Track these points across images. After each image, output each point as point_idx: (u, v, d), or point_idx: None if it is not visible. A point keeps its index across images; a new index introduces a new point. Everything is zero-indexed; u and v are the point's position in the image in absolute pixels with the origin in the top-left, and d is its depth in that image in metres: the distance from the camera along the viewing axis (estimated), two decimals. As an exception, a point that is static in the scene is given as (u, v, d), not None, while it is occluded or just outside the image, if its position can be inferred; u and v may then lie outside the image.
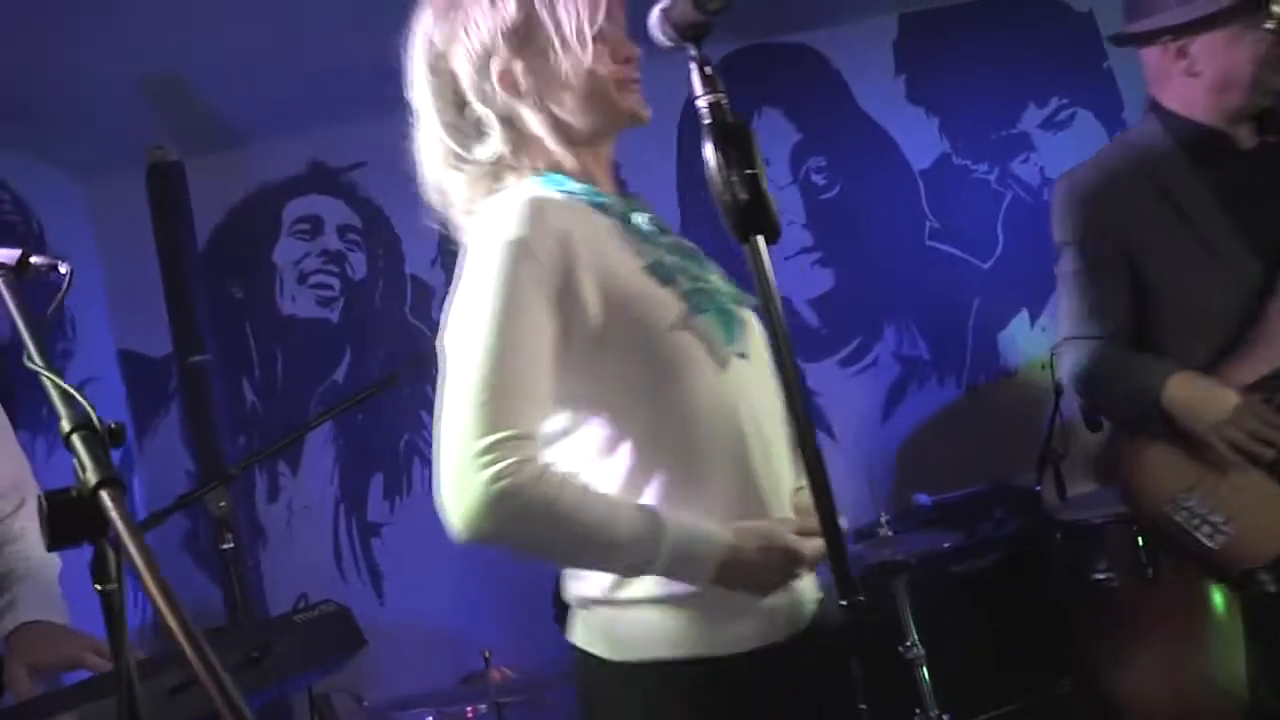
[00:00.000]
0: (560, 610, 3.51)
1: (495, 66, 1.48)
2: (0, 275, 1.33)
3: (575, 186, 1.49)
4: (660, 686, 1.38)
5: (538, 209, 1.38)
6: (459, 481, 1.30)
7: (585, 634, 1.46)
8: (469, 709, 3.12)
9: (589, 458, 1.41)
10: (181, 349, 3.71)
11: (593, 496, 1.34)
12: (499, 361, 1.32)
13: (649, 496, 1.39)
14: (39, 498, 1.00)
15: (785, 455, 1.49)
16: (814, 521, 1.22)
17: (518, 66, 1.48)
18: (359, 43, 2.29)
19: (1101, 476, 3.19)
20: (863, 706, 1.34)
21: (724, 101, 1.22)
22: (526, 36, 1.47)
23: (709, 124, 1.21)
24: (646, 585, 1.37)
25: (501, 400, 1.31)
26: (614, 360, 1.38)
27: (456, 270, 1.44)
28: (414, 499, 4.10)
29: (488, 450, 1.28)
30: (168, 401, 4.15)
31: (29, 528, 2.03)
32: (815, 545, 1.37)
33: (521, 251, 1.35)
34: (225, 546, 2.43)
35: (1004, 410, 4.12)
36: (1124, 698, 2.44)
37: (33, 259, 1.34)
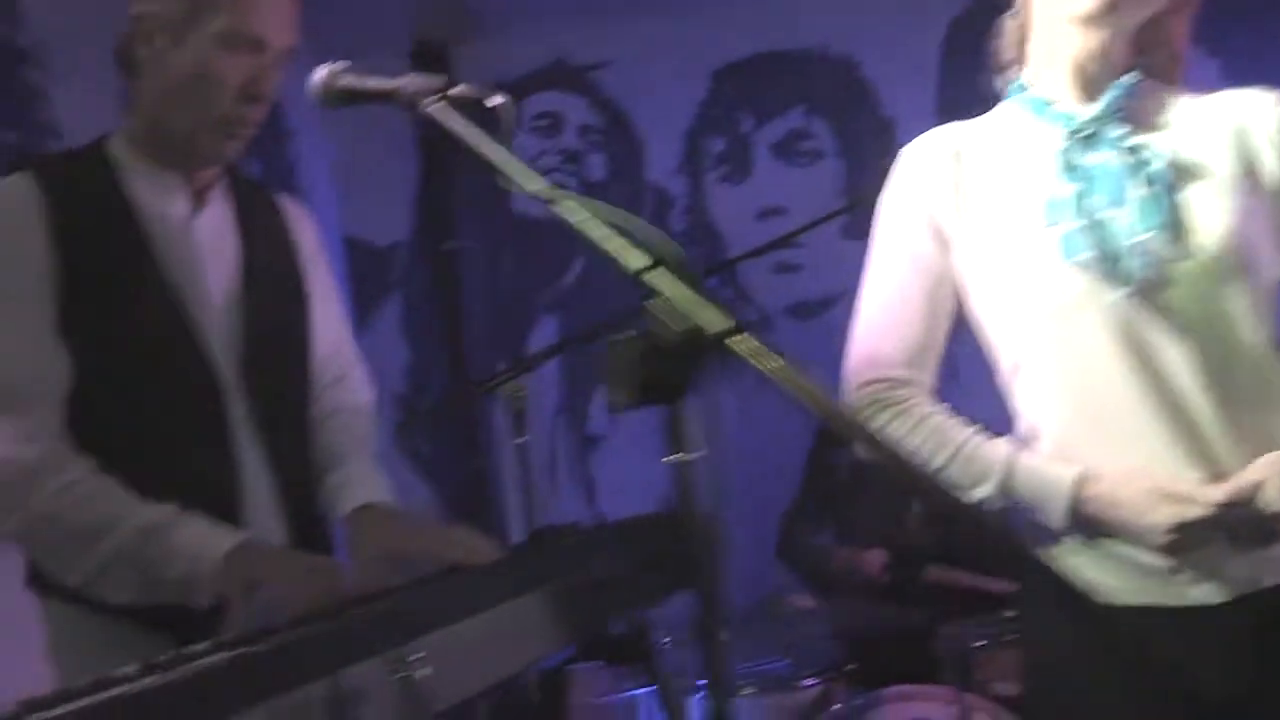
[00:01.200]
0: (784, 546, 3.40)
1: None
2: (436, 102, 1.27)
3: None
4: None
5: None
6: None
7: None
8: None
9: None
10: (430, 235, 3.62)
11: None
12: None
13: None
14: (611, 343, 0.89)
15: None
16: None
17: None
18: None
19: None
20: None
21: None
22: None
23: None
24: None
25: None
26: None
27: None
28: (637, 412, 3.97)
29: None
30: (387, 293, 4.08)
31: (350, 402, 1.92)
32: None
33: None
34: (519, 441, 2.33)
35: None
36: None
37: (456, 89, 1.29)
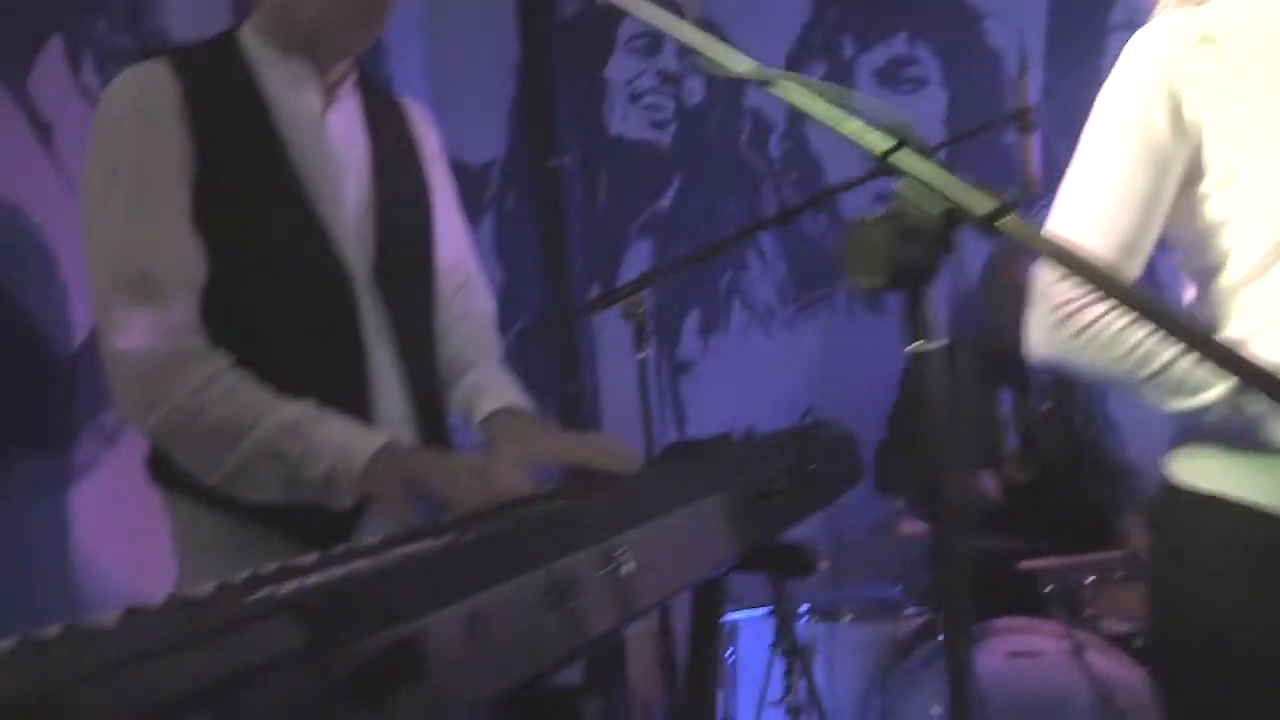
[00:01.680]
0: (882, 476, 3.38)
1: None
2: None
3: None
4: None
5: None
6: None
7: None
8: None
9: None
10: (526, 154, 3.59)
11: None
12: None
13: None
14: (858, 224, 0.87)
15: None
16: None
17: None
18: None
19: None
20: None
21: None
22: None
23: None
24: None
25: None
26: None
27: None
28: (728, 339, 3.96)
29: None
30: (481, 212, 4.06)
31: (475, 309, 1.91)
32: None
33: None
34: (640, 356, 2.31)
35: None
36: None
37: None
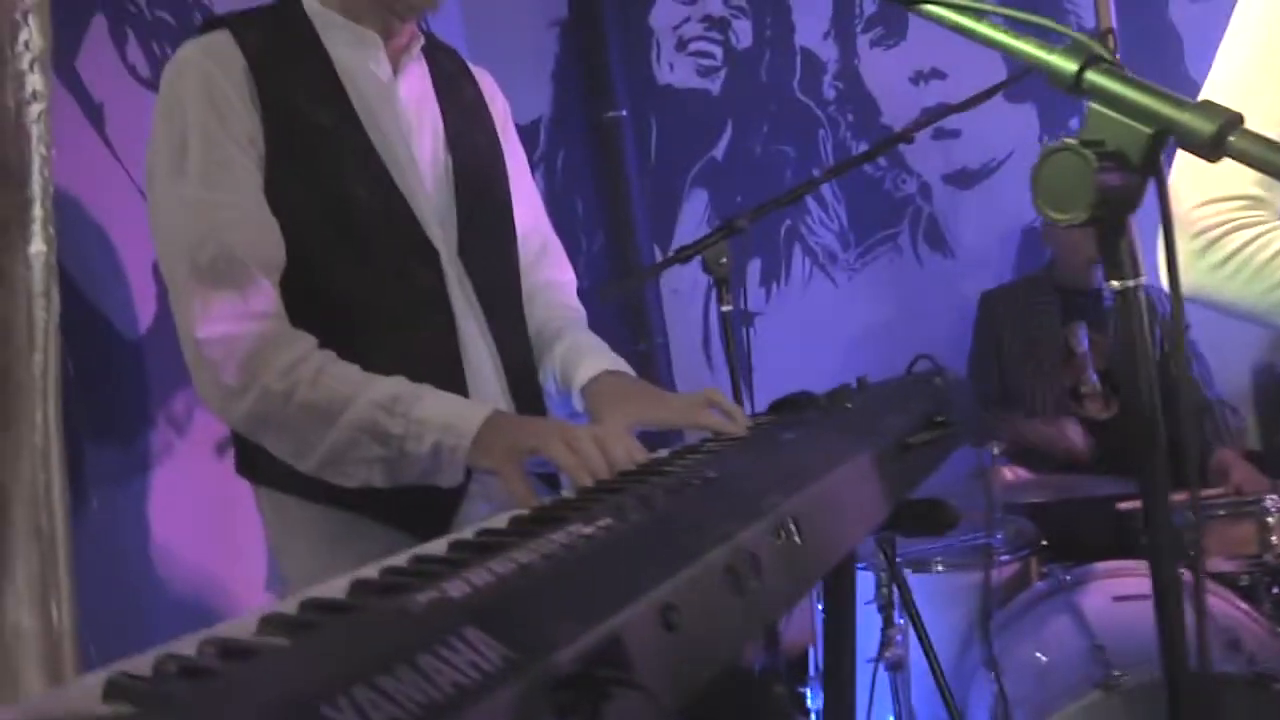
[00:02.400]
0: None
1: None
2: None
3: None
4: None
5: None
6: None
7: None
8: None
9: None
10: (573, 108, 3.49)
11: None
12: None
13: None
14: (1048, 151, 0.78)
15: None
16: None
17: None
18: None
19: None
20: None
21: None
22: None
23: None
24: None
25: None
26: None
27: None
28: (791, 289, 3.86)
29: None
30: (531, 171, 3.96)
31: (556, 277, 1.83)
32: None
33: None
34: (725, 309, 2.22)
35: None
36: None
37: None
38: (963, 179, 3.81)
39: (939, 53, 3.79)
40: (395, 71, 1.58)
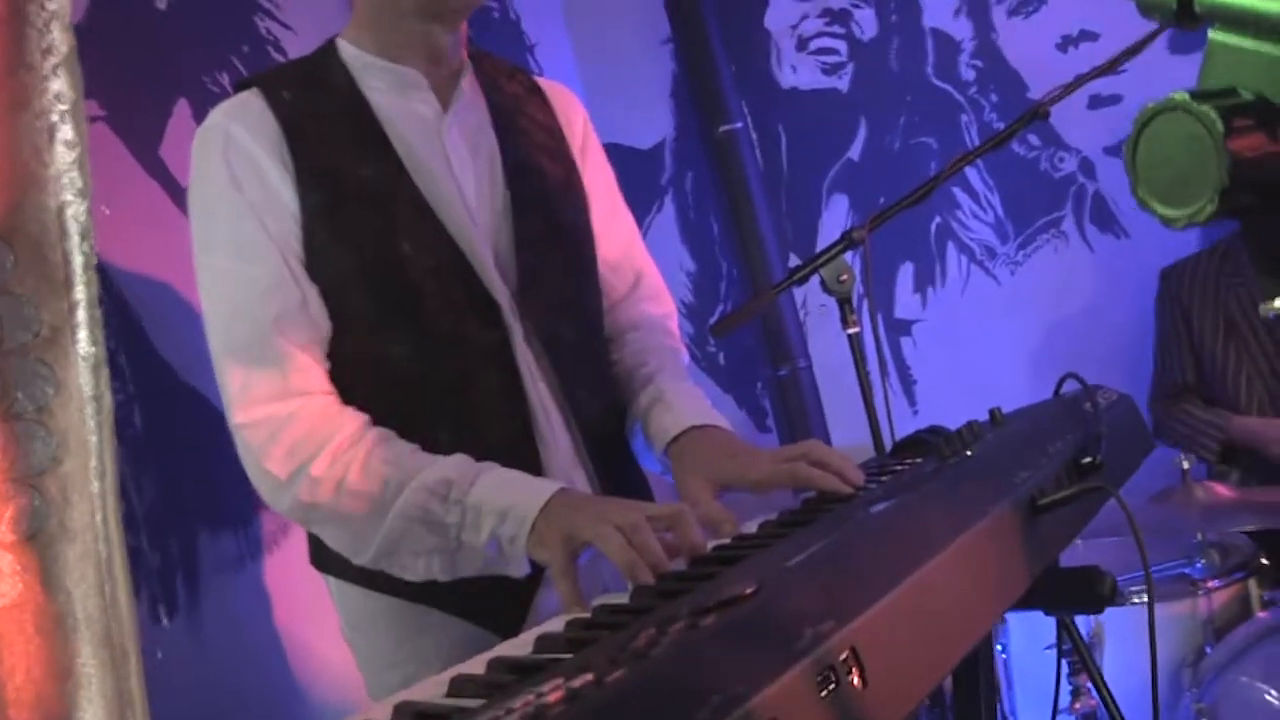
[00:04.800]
0: (1161, 426, 2.90)
1: None
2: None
3: None
4: None
5: None
6: None
7: None
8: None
9: None
10: (698, 126, 3.30)
11: None
12: None
13: None
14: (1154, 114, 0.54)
15: None
16: None
17: None
18: None
19: None
20: None
21: None
22: None
23: None
24: None
25: None
26: None
27: None
28: (948, 291, 3.55)
29: None
30: (659, 197, 3.79)
31: (649, 313, 1.63)
32: None
33: None
34: (850, 332, 1.98)
35: None
36: None
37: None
38: (1130, 149, 3.43)
39: (1086, 11, 3.43)
40: (445, 107, 1.42)
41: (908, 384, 3.58)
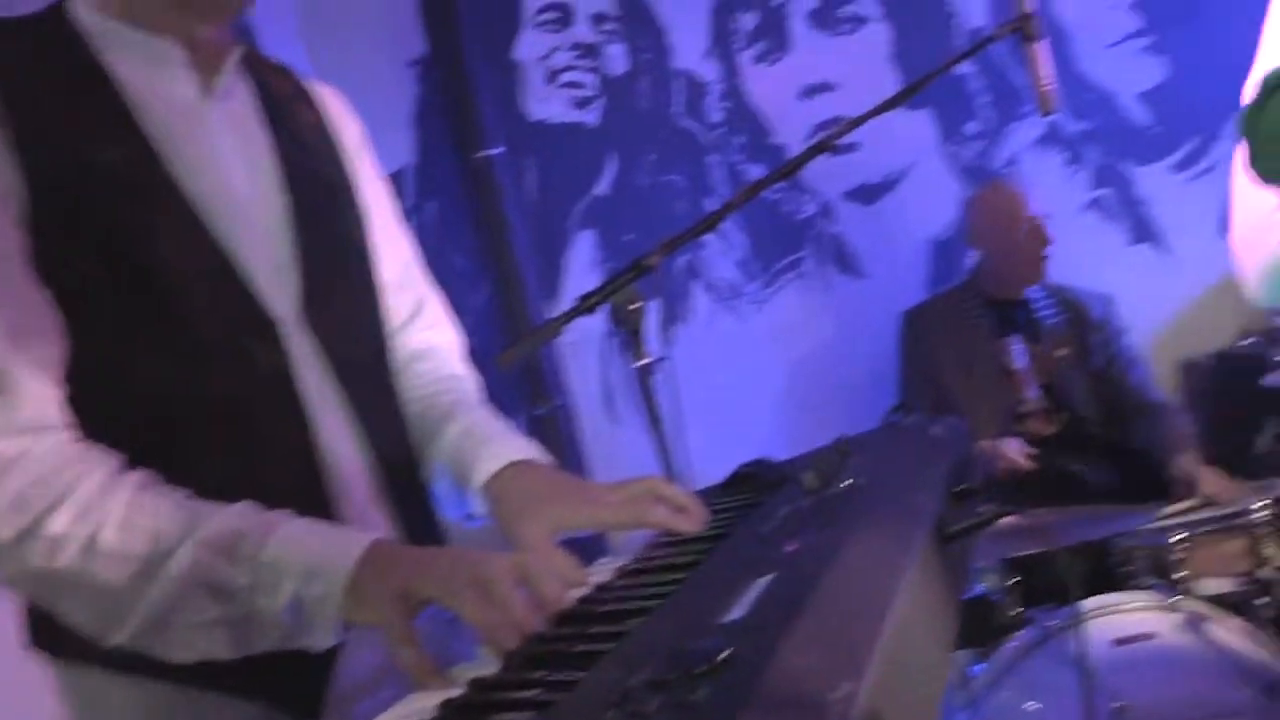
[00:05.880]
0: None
1: None
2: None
3: None
4: None
5: None
6: None
7: None
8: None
9: None
10: (443, 153, 3.16)
11: None
12: None
13: None
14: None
15: None
16: None
17: None
18: None
19: None
20: None
21: None
22: None
23: None
24: None
25: None
26: None
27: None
28: (694, 329, 3.57)
29: None
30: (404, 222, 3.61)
31: (439, 340, 1.47)
32: None
33: None
34: (640, 364, 1.90)
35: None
36: None
37: None
38: (865, 194, 3.59)
39: (825, 65, 3.58)
40: (205, 89, 1.20)
41: (655, 421, 3.56)
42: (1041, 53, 2.27)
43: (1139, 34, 3.58)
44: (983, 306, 3.05)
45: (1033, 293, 3.05)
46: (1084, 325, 3.03)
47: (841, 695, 0.55)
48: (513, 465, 1.27)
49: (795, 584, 0.75)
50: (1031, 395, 2.95)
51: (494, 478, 1.26)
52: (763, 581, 0.78)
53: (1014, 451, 2.77)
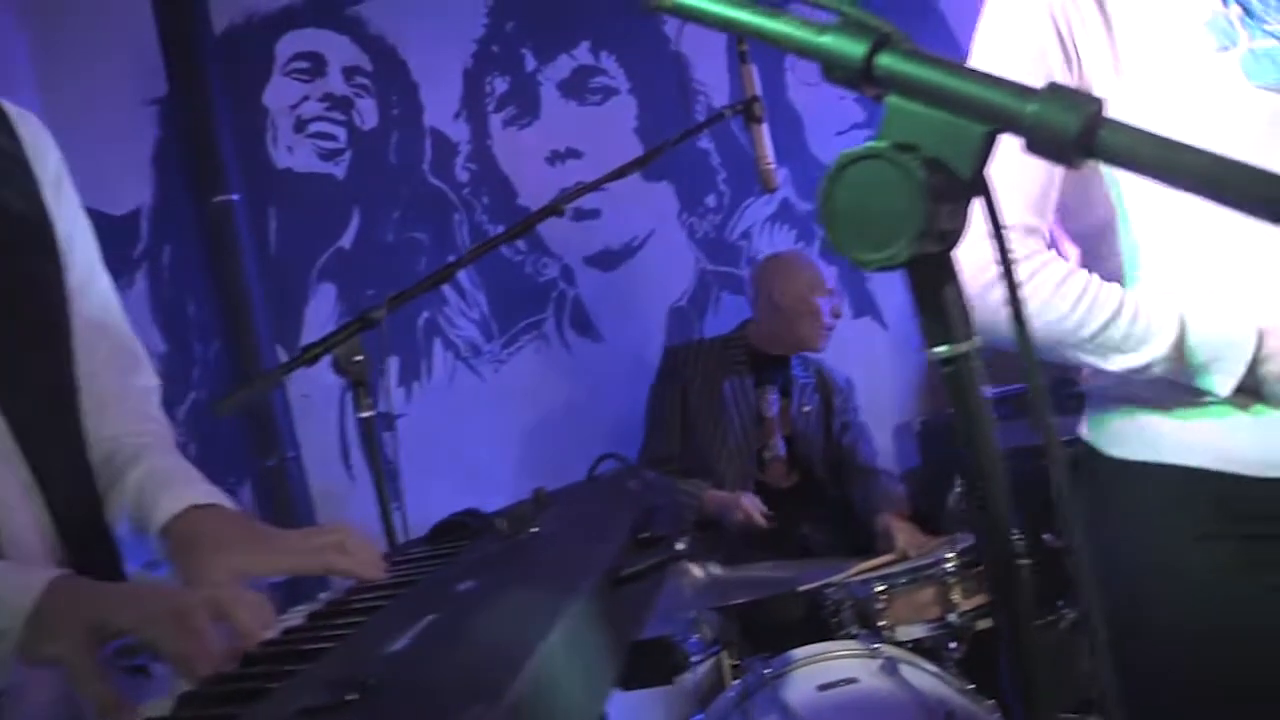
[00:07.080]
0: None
1: None
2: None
3: None
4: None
5: None
6: None
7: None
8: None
9: None
10: (182, 195, 3.06)
11: None
12: None
13: None
14: (850, 161, 0.55)
15: None
16: None
17: None
18: None
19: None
20: None
21: None
22: None
23: None
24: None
25: None
26: None
27: None
28: (434, 386, 3.57)
29: None
30: (133, 271, 3.46)
31: (134, 384, 1.42)
32: None
33: None
34: (364, 415, 1.90)
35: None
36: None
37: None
38: (605, 260, 3.70)
39: (574, 132, 3.69)
40: None
41: (392, 476, 3.52)
42: (764, 134, 2.44)
43: (865, 124, 3.87)
44: (745, 357, 3.18)
45: (793, 356, 3.21)
46: (829, 391, 3.22)
47: (473, 716, 0.58)
48: (196, 508, 1.22)
49: (455, 619, 0.78)
50: (777, 446, 3.11)
51: (175, 519, 1.21)
52: (429, 618, 0.81)
53: (751, 507, 2.90)
